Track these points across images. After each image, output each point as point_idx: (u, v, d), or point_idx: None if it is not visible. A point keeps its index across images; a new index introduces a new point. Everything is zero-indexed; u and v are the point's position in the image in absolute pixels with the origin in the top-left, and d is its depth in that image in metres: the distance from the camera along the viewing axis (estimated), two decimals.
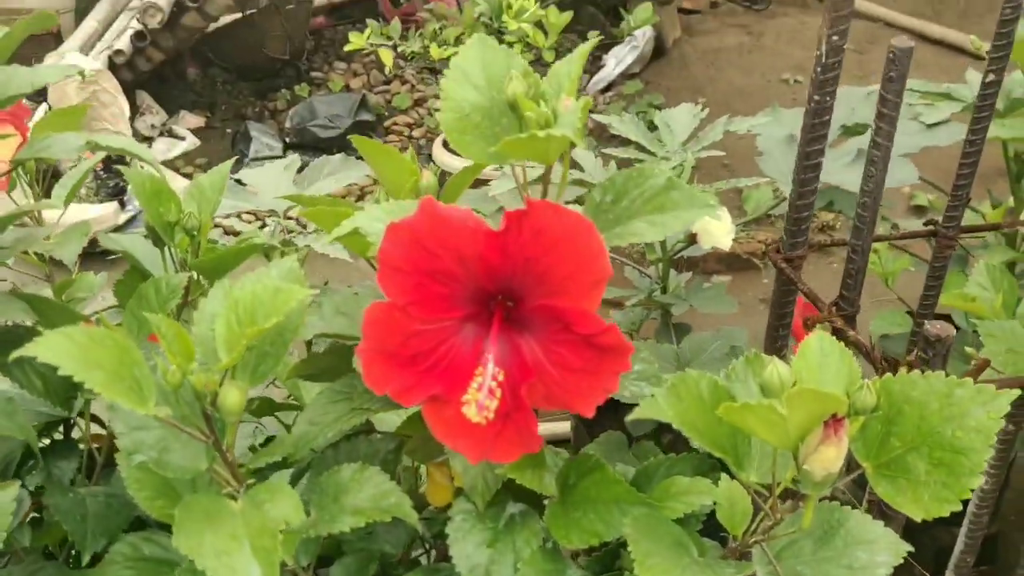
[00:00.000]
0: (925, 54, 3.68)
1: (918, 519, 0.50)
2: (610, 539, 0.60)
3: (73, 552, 0.83)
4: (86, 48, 3.49)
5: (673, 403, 0.52)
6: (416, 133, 3.51)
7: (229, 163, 0.89)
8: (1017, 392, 0.49)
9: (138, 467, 0.65)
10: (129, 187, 3.02)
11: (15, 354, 0.49)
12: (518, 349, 0.53)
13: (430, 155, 3.07)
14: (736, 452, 0.55)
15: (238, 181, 1.54)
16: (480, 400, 0.50)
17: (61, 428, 0.88)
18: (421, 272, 0.50)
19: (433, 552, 0.78)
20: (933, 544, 1.32)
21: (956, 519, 1.09)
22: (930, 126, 1.43)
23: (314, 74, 3.95)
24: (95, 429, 0.89)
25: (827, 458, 0.48)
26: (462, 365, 0.53)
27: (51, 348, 0.50)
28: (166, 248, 0.87)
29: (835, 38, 0.73)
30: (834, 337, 0.55)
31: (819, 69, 0.75)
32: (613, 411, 1.17)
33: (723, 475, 0.61)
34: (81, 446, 0.85)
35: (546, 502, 0.67)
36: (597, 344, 0.50)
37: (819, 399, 0.46)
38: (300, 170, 1.50)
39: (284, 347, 0.58)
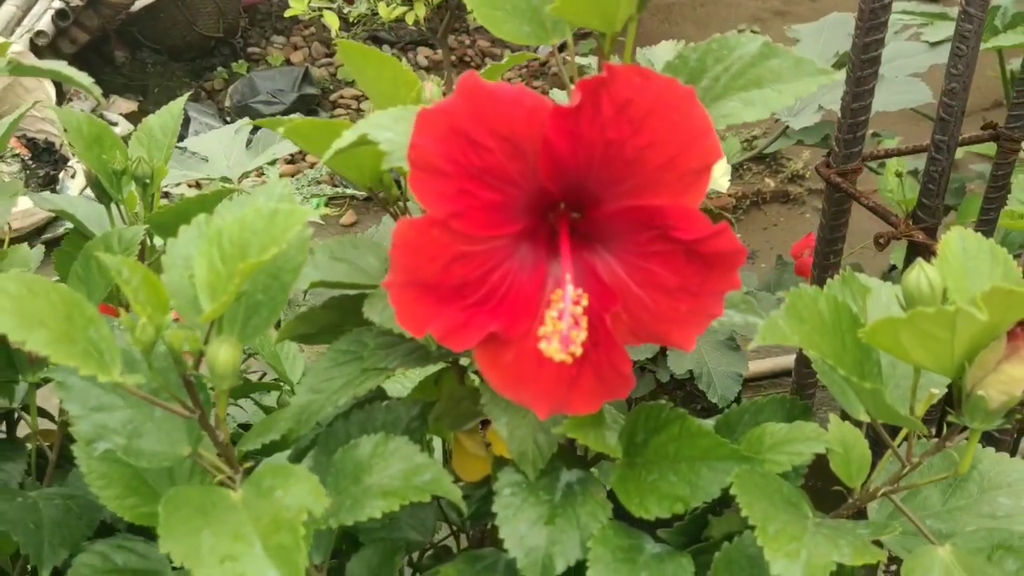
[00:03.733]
0: None
1: None
2: (697, 504, 0.49)
3: (29, 567, 0.70)
4: (5, 33, 3.27)
5: (796, 326, 0.41)
6: (365, 106, 3.35)
7: (181, 100, 0.76)
8: None
9: (101, 459, 0.52)
10: (62, 175, 2.84)
11: None
12: (593, 270, 0.42)
13: None
14: (862, 378, 0.44)
15: (184, 149, 1.40)
16: (563, 332, 0.38)
17: (3, 426, 0.75)
18: (465, 173, 0.38)
19: (463, 536, 0.66)
20: None
21: None
22: (933, 44, 1.34)
23: (251, 50, 3.76)
24: (44, 424, 0.75)
25: (1012, 378, 0.38)
26: (523, 294, 0.41)
27: None
28: (112, 204, 0.74)
29: None
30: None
31: None
32: None
33: (832, 416, 0.51)
34: (28, 445, 0.71)
35: (594, 469, 0.56)
36: (702, 253, 0.39)
37: (1010, 301, 0.36)
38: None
39: (282, 294, 0.46)
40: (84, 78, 0.58)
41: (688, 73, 0.46)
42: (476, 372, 0.56)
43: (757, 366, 1.63)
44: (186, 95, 0.78)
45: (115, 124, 3.35)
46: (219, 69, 3.64)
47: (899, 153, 0.76)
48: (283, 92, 3.28)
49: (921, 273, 0.41)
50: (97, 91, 0.59)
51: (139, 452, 0.48)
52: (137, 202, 0.75)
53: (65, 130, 0.69)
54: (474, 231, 0.39)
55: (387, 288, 0.40)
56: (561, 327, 0.38)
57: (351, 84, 3.44)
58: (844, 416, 0.50)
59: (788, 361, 1.66)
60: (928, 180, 0.66)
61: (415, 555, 0.66)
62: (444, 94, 0.60)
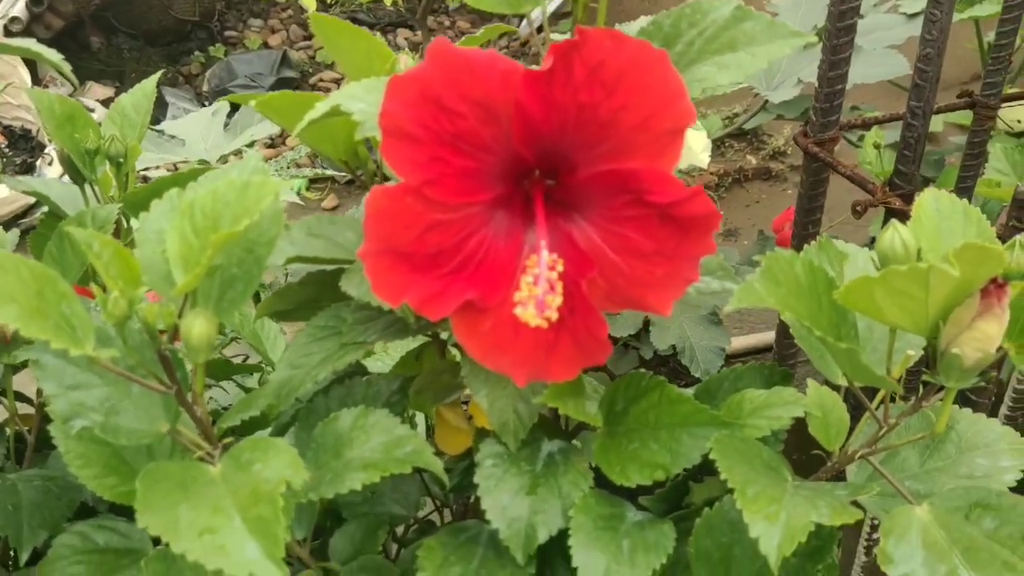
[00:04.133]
0: None
1: None
2: (678, 470, 0.49)
3: (10, 550, 0.69)
4: None
5: (772, 288, 0.41)
6: None
7: (154, 79, 0.75)
8: None
9: (79, 438, 0.51)
10: (39, 162, 2.81)
11: None
12: (568, 236, 0.41)
13: None
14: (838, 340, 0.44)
15: (162, 133, 1.40)
16: (539, 297, 0.38)
17: None
18: (438, 139, 0.38)
19: (447, 511, 0.67)
20: None
21: None
22: (911, 16, 1.34)
23: (228, 34, 3.72)
24: (23, 408, 0.75)
25: (986, 335, 0.38)
26: (499, 262, 0.41)
27: None
28: (87, 185, 0.73)
29: None
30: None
31: None
32: None
33: (810, 380, 0.51)
34: (7, 429, 0.71)
35: (576, 439, 0.56)
36: (677, 216, 0.39)
37: (982, 257, 0.36)
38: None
39: (257, 267, 0.45)
40: (52, 55, 0.58)
41: (662, 38, 0.46)
42: (456, 346, 0.56)
43: (740, 342, 1.63)
44: (158, 73, 0.77)
45: (92, 110, 3.31)
46: (196, 53, 3.60)
47: (876, 122, 0.76)
48: (262, 76, 3.26)
49: (895, 234, 0.41)
50: (66, 68, 0.58)
51: (117, 429, 0.48)
52: (112, 183, 0.74)
53: (38, 111, 0.69)
54: (448, 198, 0.39)
55: (361, 258, 0.40)
56: (536, 292, 0.38)
57: (331, 67, 3.41)
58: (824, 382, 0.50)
59: (770, 337, 1.67)
60: (904, 147, 0.66)
61: (400, 530, 0.66)
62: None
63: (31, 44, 0.58)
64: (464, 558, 0.53)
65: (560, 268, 0.39)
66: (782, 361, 0.83)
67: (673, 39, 0.45)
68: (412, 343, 0.68)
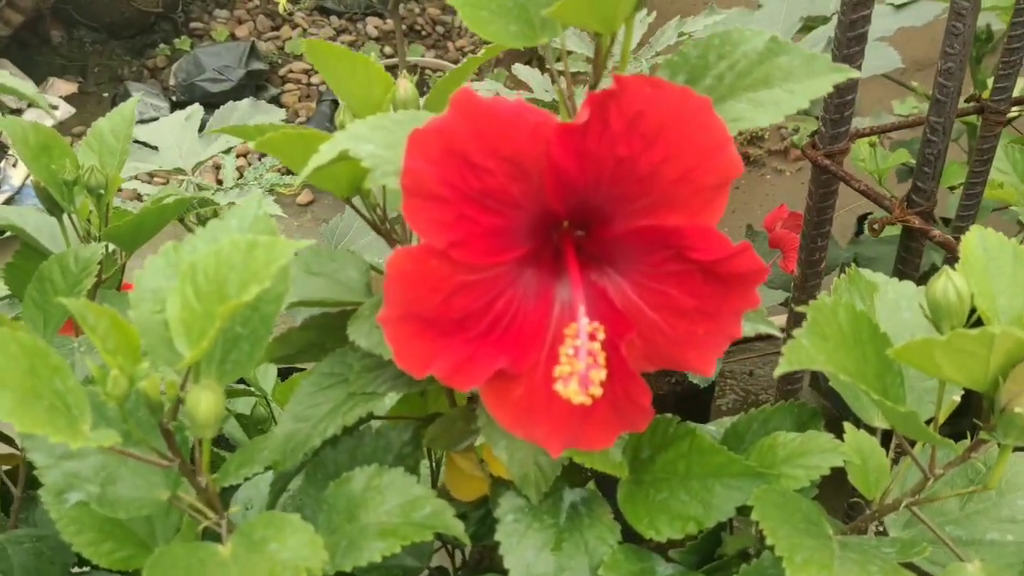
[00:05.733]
0: None
1: None
2: (712, 524, 0.47)
3: None
4: None
5: (820, 344, 0.38)
6: (316, 79, 3.27)
7: (133, 101, 0.71)
8: None
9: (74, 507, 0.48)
10: (3, 164, 2.73)
11: None
12: (603, 293, 0.39)
13: (334, 101, 2.86)
14: (885, 394, 0.41)
15: (134, 141, 1.34)
16: (581, 372, 0.35)
17: None
18: (463, 197, 0.35)
19: (457, 552, 0.64)
20: None
21: None
22: (899, 7, 1.32)
23: (193, 25, 3.64)
24: (3, 448, 0.71)
25: None
26: (529, 322, 0.38)
27: None
28: (65, 216, 0.69)
29: None
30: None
31: None
32: None
33: (847, 425, 0.48)
34: None
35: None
36: (721, 274, 0.36)
37: None
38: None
39: (264, 326, 0.42)
40: (27, 87, 0.54)
41: (689, 71, 0.43)
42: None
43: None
44: (136, 97, 0.73)
45: (55, 107, 3.23)
46: (161, 46, 3.52)
47: (885, 129, 0.73)
48: (230, 68, 3.19)
49: (948, 282, 0.39)
50: (43, 101, 0.54)
51: (115, 501, 0.44)
52: (89, 209, 0.70)
53: (11, 141, 0.64)
54: (476, 259, 0.36)
55: (382, 323, 0.37)
56: (579, 366, 0.35)
57: (300, 58, 3.35)
58: (859, 424, 0.48)
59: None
60: (923, 163, 0.64)
61: None
62: (395, 69, 0.57)
63: (4, 77, 0.54)
64: None
65: (602, 337, 0.36)
66: (787, 379, 0.81)
67: (701, 72, 0.42)
68: None
